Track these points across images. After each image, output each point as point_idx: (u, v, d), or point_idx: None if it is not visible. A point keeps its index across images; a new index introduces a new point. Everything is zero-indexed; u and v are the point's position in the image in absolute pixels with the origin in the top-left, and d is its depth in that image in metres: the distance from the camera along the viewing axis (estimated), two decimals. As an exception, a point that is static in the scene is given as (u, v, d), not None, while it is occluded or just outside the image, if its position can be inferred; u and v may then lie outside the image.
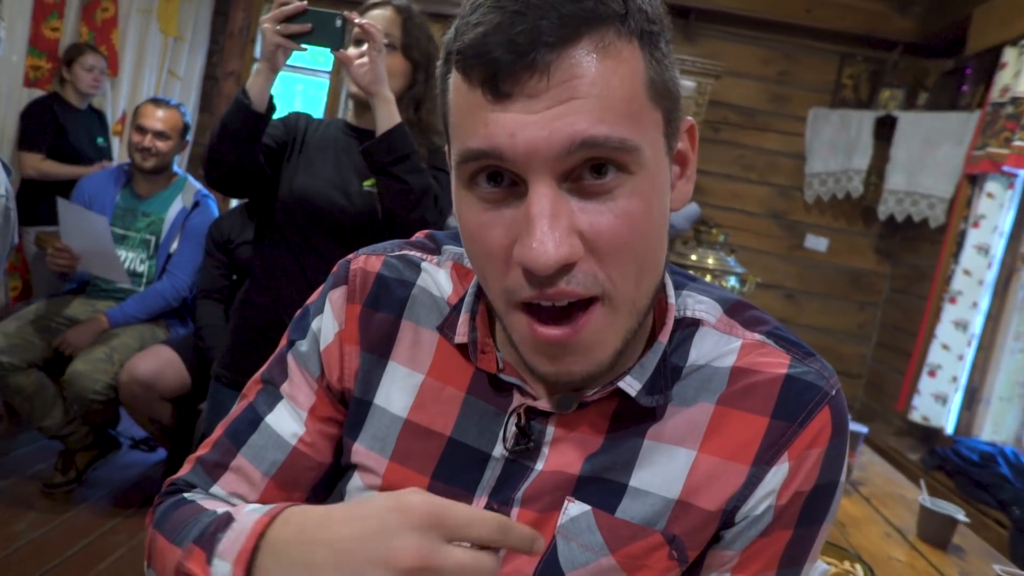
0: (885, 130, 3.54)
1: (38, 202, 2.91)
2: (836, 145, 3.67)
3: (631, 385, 0.58)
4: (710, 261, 2.49)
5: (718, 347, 0.61)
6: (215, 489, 0.68)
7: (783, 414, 0.58)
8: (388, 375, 0.66)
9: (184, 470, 0.70)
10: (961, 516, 1.42)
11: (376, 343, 0.67)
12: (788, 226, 3.87)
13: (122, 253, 2.59)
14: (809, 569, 0.61)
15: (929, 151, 3.32)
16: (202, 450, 0.70)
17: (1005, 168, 2.71)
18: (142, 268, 2.61)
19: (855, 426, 1.88)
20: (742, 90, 3.82)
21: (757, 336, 0.61)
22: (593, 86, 0.47)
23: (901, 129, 3.46)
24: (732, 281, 2.46)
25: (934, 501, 1.46)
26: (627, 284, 0.51)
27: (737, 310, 0.63)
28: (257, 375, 0.72)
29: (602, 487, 0.59)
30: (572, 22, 0.46)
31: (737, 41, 3.82)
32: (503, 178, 0.50)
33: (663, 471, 0.59)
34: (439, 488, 0.63)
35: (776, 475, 0.57)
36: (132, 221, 2.62)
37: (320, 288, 0.72)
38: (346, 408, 0.69)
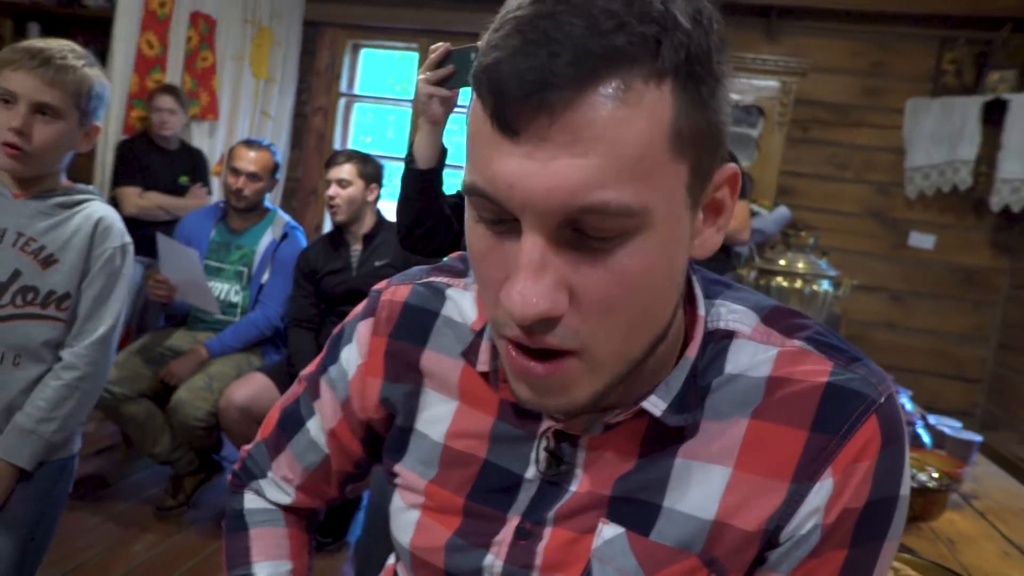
0: (995, 116, 3.27)
1: (138, 240, 3.12)
2: (939, 136, 3.42)
3: (656, 405, 0.55)
4: (800, 265, 2.37)
5: (754, 358, 0.57)
6: (270, 475, 0.80)
7: (823, 426, 0.53)
8: (424, 402, 0.68)
9: (247, 449, 0.83)
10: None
11: (406, 373, 0.68)
12: (890, 224, 3.63)
13: (218, 285, 2.73)
14: None
15: (1048, 134, 3.05)
16: (263, 432, 0.82)
17: None
18: (237, 299, 2.75)
19: (968, 435, 1.74)
20: (831, 86, 3.63)
21: (796, 343, 0.57)
22: (601, 140, 0.42)
23: (1014, 112, 3.18)
24: (825, 285, 2.33)
25: (1060, 517, 1.31)
26: (613, 341, 0.49)
27: (775, 317, 0.59)
28: (308, 370, 0.78)
29: (635, 508, 0.57)
30: (589, 61, 0.42)
31: (823, 36, 3.64)
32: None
33: (698, 491, 0.56)
34: (474, 508, 0.63)
35: (820, 492, 0.53)
36: (226, 254, 2.76)
37: (357, 310, 0.74)
38: (369, 432, 0.74)
